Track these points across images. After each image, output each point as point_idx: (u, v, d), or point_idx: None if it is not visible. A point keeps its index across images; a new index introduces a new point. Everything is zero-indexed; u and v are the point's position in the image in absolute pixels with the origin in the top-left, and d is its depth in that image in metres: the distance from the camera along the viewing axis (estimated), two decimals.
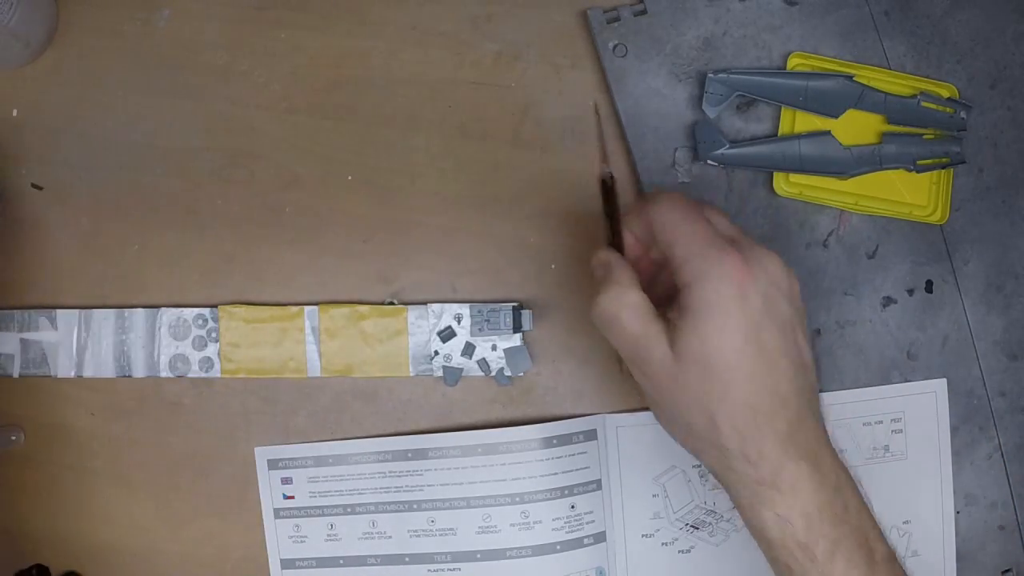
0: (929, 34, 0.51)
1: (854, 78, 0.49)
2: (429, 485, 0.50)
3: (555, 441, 0.49)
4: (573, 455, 0.49)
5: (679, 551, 0.50)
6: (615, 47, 0.50)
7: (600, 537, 0.50)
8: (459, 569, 0.50)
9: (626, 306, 0.37)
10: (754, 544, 0.38)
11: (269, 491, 0.51)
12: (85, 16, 0.51)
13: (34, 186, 0.51)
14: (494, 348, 0.50)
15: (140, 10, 0.51)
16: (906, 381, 0.50)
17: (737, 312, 0.35)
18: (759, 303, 0.35)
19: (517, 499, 0.49)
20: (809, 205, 0.50)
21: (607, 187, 0.42)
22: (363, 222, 0.51)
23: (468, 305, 0.49)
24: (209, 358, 0.50)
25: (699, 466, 0.50)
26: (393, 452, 0.50)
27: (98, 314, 0.50)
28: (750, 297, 0.35)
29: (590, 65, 0.51)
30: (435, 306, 0.50)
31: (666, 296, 0.39)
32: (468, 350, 0.50)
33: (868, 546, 0.37)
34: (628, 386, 0.50)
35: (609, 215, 0.41)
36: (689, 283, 0.36)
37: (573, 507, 0.49)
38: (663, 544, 0.50)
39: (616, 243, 0.41)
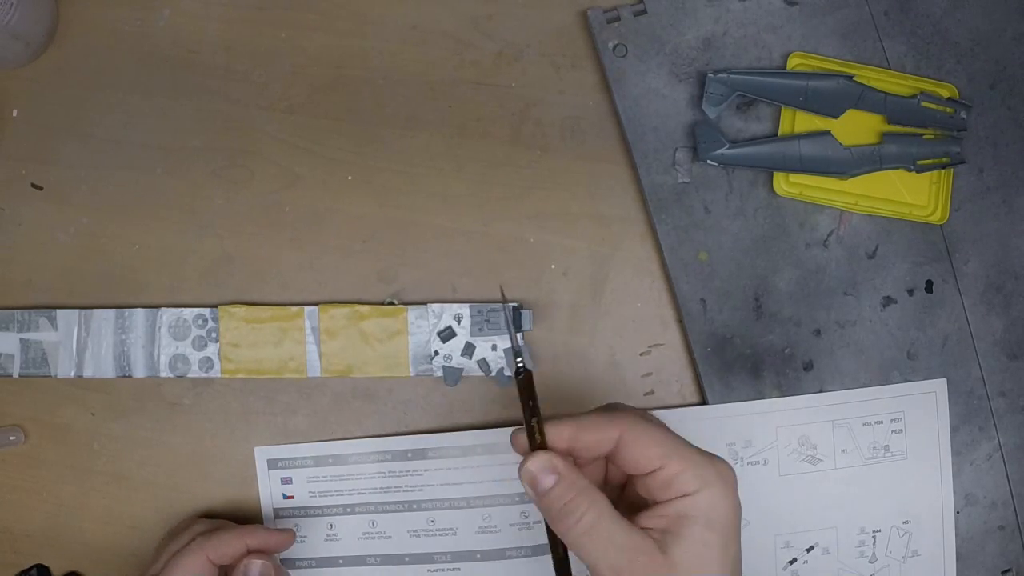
0: (929, 34, 0.51)
1: (854, 78, 0.49)
2: (429, 485, 0.50)
3: None
4: None
5: None
6: (615, 47, 0.50)
7: None
8: (459, 569, 0.50)
9: (611, 529, 0.36)
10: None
11: (269, 491, 0.51)
12: (85, 16, 0.51)
13: (34, 186, 0.51)
14: (494, 348, 0.50)
15: (140, 10, 0.51)
16: (906, 381, 0.50)
17: (735, 520, 0.37)
18: (740, 510, 0.37)
19: (517, 499, 0.49)
20: (809, 205, 0.50)
21: (523, 382, 0.37)
22: (363, 222, 0.51)
23: (468, 305, 0.49)
24: (209, 358, 0.50)
25: None
26: (393, 452, 0.50)
27: (98, 314, 0.50)
28: (738, 505, 0.37)
29: (590, 65, 0.51)
30: (435, 306, 0.50)
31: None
32: (468, 350, 0.50)
33: None
34: (628, 386, 0.51)
35: (531, 412, 0.38)
36: (691, 492, 0.36)
37: None
38: None
39: (540, 444, 0.37)
